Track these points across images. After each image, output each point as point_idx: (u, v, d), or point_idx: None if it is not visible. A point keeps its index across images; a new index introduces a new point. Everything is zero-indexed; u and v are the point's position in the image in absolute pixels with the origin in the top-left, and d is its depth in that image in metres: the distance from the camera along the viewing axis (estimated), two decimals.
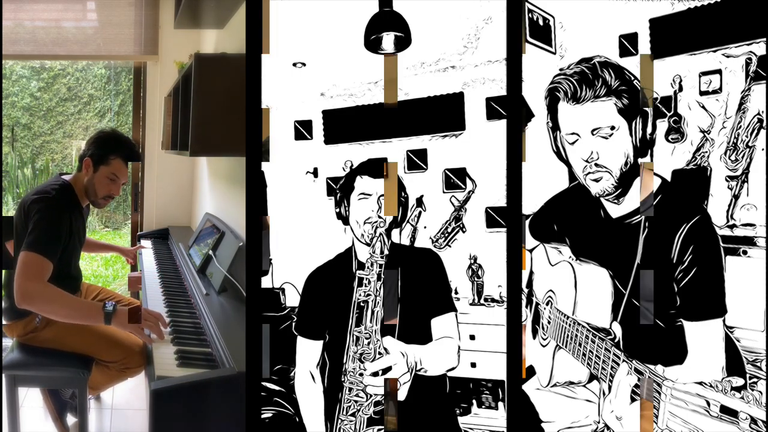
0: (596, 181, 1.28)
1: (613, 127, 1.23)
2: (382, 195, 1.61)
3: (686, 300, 1.26)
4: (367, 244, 1.55)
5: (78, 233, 2.24)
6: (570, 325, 1.31)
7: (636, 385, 0.99)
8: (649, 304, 1.39)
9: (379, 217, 1.59)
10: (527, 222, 1.72)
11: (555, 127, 1.32)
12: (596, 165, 1.25)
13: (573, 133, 1.26)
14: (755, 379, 1.41)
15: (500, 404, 3.19)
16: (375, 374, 1.34)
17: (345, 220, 1.68)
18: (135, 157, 2.26)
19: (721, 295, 1.25)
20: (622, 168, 1.26)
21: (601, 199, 1.40)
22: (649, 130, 1.25)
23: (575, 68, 1.24)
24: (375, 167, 1.64)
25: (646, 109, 1.25)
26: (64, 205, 2.08)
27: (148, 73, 3.78)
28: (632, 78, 1.27)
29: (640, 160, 1.32)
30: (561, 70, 1.26)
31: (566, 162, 1.34)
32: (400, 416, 1.39)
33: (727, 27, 3.59)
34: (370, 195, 1.61)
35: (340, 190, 1.68)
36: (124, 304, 2.57)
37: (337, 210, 1.68)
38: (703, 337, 1.24)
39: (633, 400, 0.99)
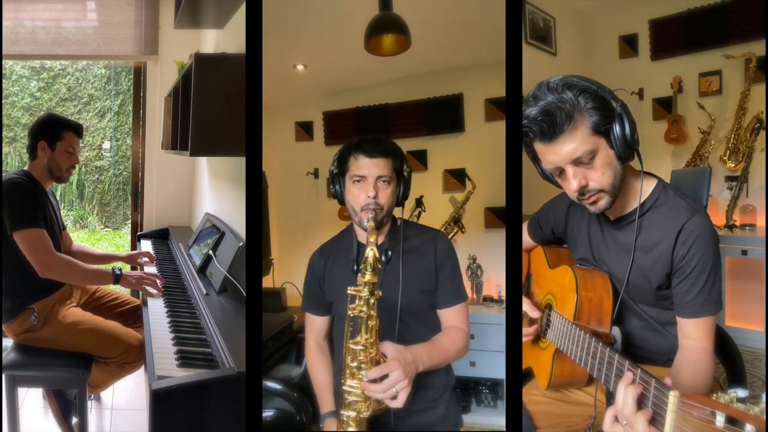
0: (594, 203, 1.25)
1: (592, 151, 1.18)
2: (381, 177, 1.40)
3: (686, 297, 1.26)
4: (365, 230, 1.36)
5: (50, 215, 2.29)
6: (571, 329, 1.31)
7: (643, 395, 0.96)
8: (647, 307, 1.39)
9: (377, 204, 1.39)
10: (525, 224, 1.72)
11: (537, 160, 1.28)
12: (589, 191, 1.23)
13: (557, 167, 1.23)
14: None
15: (499, 402, 3.20)
16: (373, 381, 1.21)
17: (340, 200, 1.49)
18: (80, 130, 2.41)
19: (720, 291, 1.26)
20: (614, 184, 1.23)
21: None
22: (627, 130, 1.17)
23: (533, 108, 1.17)
24: (371, 145, 1.41)
25: (620, 110, 1.18)
26: (29, 184, 2.25)
27: (148, 73, 3.78)
28: (593, 86, 1.18)
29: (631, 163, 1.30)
30: (525, 116, 1.19)
31: (559, 186, 1.31)
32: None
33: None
34: (365, 177, 1.40)
35: (336, 167, 1.47)
36: (124, 301, 2.59)
37: (333, 188, 1.48)
38: (701, 335, 1.25)
39: (639, 408, 0.96)
